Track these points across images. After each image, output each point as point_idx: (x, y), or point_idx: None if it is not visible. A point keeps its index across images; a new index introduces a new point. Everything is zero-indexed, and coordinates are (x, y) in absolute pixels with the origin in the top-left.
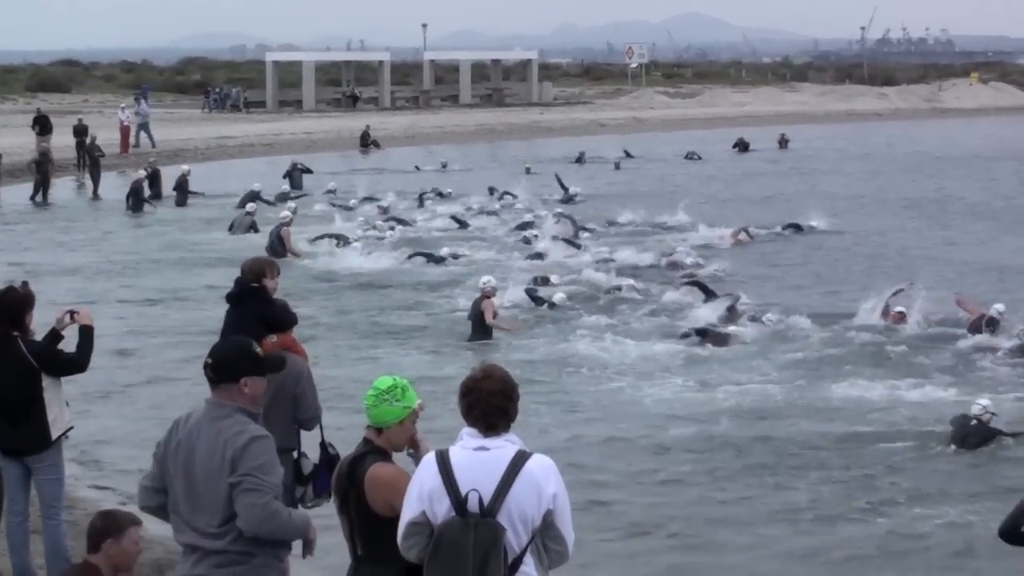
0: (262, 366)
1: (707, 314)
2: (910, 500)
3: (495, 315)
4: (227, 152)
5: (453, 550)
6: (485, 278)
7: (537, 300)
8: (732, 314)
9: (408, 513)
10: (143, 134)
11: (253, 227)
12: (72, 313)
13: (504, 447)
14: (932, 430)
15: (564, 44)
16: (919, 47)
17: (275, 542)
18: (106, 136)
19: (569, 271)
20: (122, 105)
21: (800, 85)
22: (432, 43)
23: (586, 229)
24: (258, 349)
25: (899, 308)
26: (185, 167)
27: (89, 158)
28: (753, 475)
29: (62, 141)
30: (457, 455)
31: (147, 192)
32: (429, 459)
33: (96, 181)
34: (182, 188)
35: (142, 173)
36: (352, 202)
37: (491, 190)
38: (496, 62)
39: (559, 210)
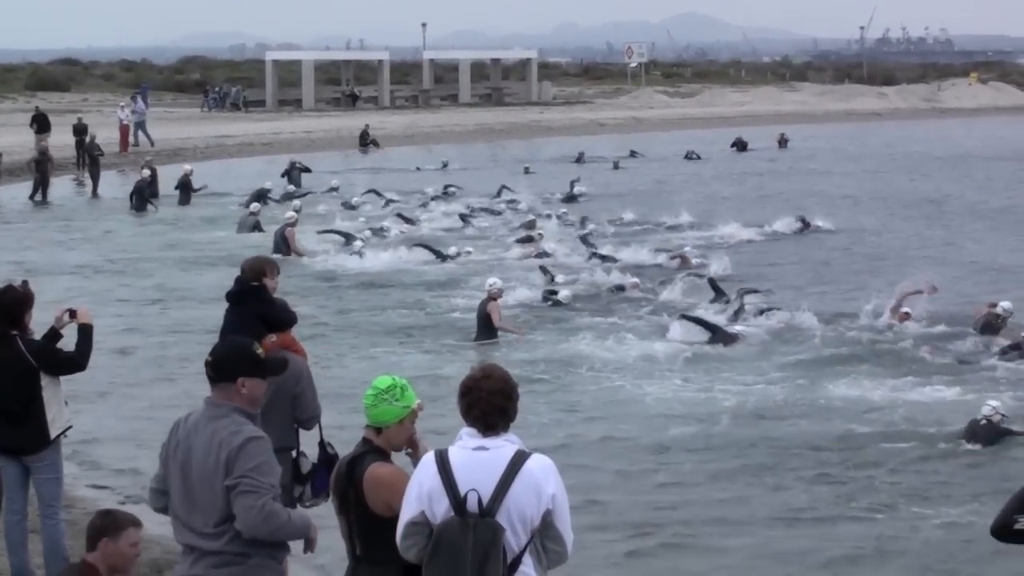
0: (262, 368)
1: (713, 313)
2: (911, 500)
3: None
4: (226, 151)
5: (452, 550)
6: (491, 280)
7: (550, 295)
8: (739, 313)
9: (407, 513)
10: (140, 133)
11: (257, 227)
12: (71, 312)
13: (503, 447)
14: (934, 430)
15: (564, 43)
16: (918, 47)
17: (272, 543)
18: (105, 135)
19: (572, 270)
20: (121, 104)
21: (799, 85)
22: (431, 42)
23: (586, 240)
24: (259, 350)
25: (906, 309)
26: (188, 167)
27: (88, 157)
28: (753, 475)
29: (61, 140)
30: (456, 455)
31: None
32: (428, 459)
33: (95, 180)
34: (185, 187)
35: (146, 173)
36: (354, 200)
37: (500, 191)
38: (495, 61)
39: (564, 210)
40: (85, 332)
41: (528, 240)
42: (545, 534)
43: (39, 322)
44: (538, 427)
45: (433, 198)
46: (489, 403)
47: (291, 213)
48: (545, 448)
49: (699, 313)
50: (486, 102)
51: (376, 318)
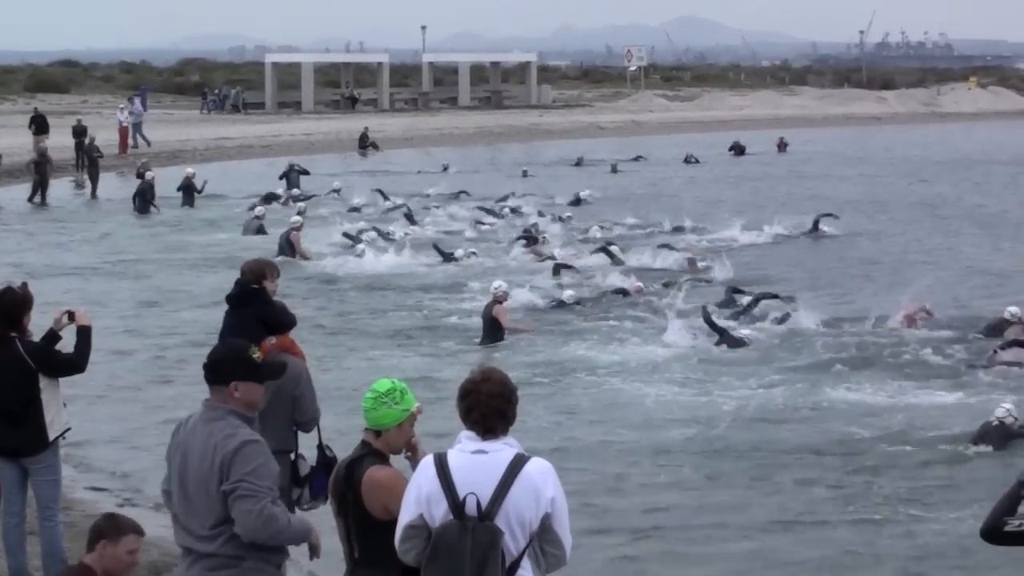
0: (256, 372)
1: (724, 317)
2: (912, 504)
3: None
4: (226, 153)
5: (451, 553)
6: (496, 283)
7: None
8: (748, 317)
9: (406, 516)
10: (137, 135)
11: (261, 230)
12: (70, 314)
13: (502, 450)
14: (936, 434)
15: (563, 46)
16: (918, 51)
17: (269, 547)
18: (105, 137)
19: (576, 273)
20: (121, 106)
21: (799, 89)
22: (431, 45)
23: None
24: (256, 354)
25: (906, 309)
26: (190, 169)
27: (88, 159)
28: (753, 479)
29: (61, 142)
30: (455, 458)
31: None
32: (427, 462)
33: (94, 182)
34: (188, 190)
35: (150, 175)
36: (355, 201)
37: (506, 198)
38: (495, 64)
39: (568, 213)
40: (84, 334)
41: (532, 241)
42: (544, 538)
43: (38, 324)
44: (537, 430)
45: (460, 192)
46: (488, 406)
47: (296, 217)
48: (544, 451)
49: (709, 315)
50: (485, 105)
51: (376, 321)
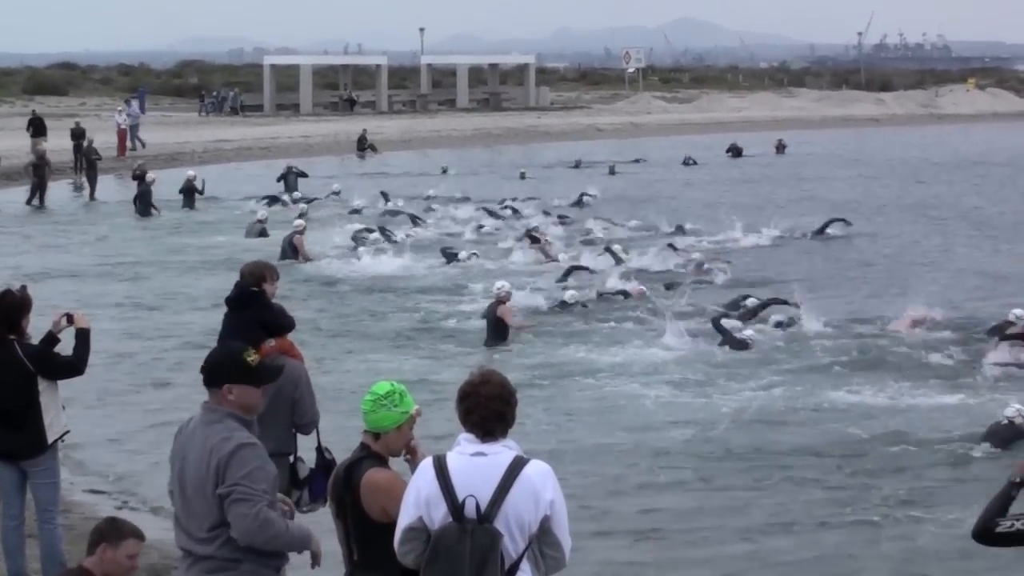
0: (250, 375)
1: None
2: (912, 506)
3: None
4: (224, 156)
5: (450, 556)
6: (499, 283)
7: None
8: (753, 319)
9: (405, 518)
10: (133, 137)
11: (263, 234)
12: (69, 316)
13: (501, 453)
14: (937, 436)
15: (561, 48)
16: (916, 53)
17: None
18: (103, 139)
19: (589, 275)
20: (119, 108)
21: (797, 90)
22: (429, 47)
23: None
24: (250, 357)
25: (912, 314)
26: (191, 172)
27: (86, 161)
28: (753, 481)
29: (59, 144)
30: (454, 460)
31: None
32: (426, 464)
33: (93, 184)
34: (189, 192)
35: (151, 177)
36: (356, 203)
37: (503, 202)
38: (493, 66)
39: (568, 215)
40: (83, 336)
41: (535, 241)
42: (543, 540)
43: (37, 327)
44: (536, 433)
45: (434, 208)
46: (487, 409)
47: (299, 221)
48: (543, 453)
49: (718, 320)
50: (484, 107)
51: (375, 323)
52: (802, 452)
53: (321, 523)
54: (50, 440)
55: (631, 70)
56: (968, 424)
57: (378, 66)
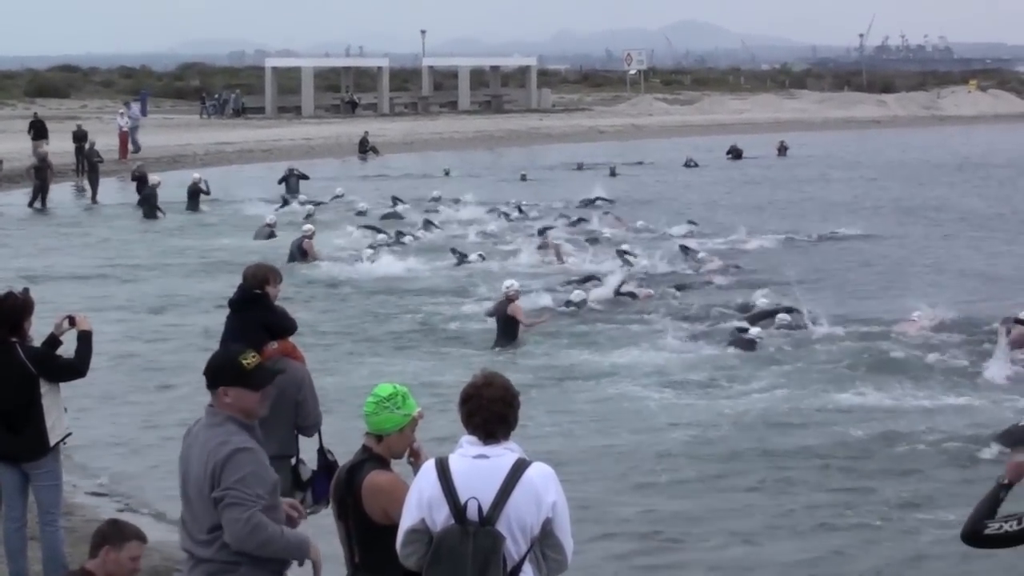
0: (245, 378)
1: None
2: (916, 509)
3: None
4: (226, 158)
5: (452, 558)
6: (508, 282)
7: (629, 294)
8: (760, 322)
9: (407, 521)
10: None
11: (272, 237)
12: (70, 319)
13: (504, 455)
14: (941, 436)
15: (563, 50)
16: (917, 54)
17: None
18: (105, 142)
19: (585, 275)
20: (120, 111)
21: (799, 92)
22: (431, 49)
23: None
24: (247, 360)
25: (915, 316)
26: (196, 174)
27: (88, 164)
28: (756, 484)
29: (61, 147)
30: (456, 463)
31: (139, 198)
32: (428, 466)
33: (94, 187)
34: (194, 194)
35: (156, 179)
36: (361, 205)
37: (519, 207)
38: (495, 68)
39: (577, 216)
40: (85, 339)
41: (542, 246)
42: (545, 542)
43: (38, 329)
44: (539, 435)
45: (437, 211)
46: (490, 411)
47: (308, 226)
48: (546, 456)
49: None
50: (485, 109)
51: (378, 325)
52: (805, 454)
53: (324, 525)
54: (52, 442)
55: (632, 72)
56: (973, 426)
57: (380, 68)
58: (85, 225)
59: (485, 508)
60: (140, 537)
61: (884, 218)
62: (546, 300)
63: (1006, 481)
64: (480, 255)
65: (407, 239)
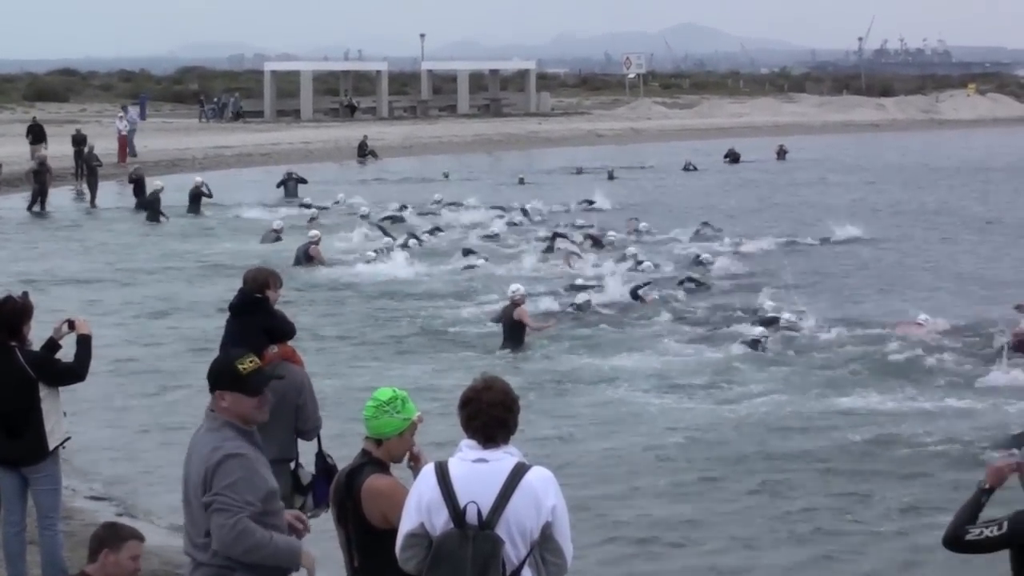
0: (240, 383)
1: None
2: (917, 512)
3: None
4: (225, 162)
5: (451, 562)
6: (514, 286)
7: (636, 296)
8: (764, 325)
9: (406, 524)
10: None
11: (278, 241)
12: (70, 323)
13: (503, 459)
14: (942, 438)
15: (562, 54)
16: (916, 58)
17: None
18: (104, 145)
19: (591, 278)
20: (120, 115)
21: (798, 96)
22: (430, 53)
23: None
24: (243, 365)
25: (921, 320)
26: (199, 178)
27: (87, 167)
28: (757, 488)
29: (60, 150)
30: (456, 467)
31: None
32: (428, 470)
33: (94, 190)
34: (196, 198)
35: (158, 184)
36: (364, 209)
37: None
38: (494, 72)
39: (580, 221)
40: (84, 343)
41: (549, 249)
42: (544, 546)
43: (38, 333)
44: (539, 439)
45: (437, 213)
46: (489, 415)
47: (315, 232)
48: (545, 460)
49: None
50: (484, 113)
51: (378, 329)
52: (806, 458)
53: (323, 529)
54: (51, 446)
55: (632, 76)
56: (974, 429)
57: (379, 72)
58: (84, 229)
59: (484, 512)
60: (137, 536)
61: (883, 222)
62: (551, 304)
63: (987, 486)
64: (483, 257)
65: (412, 243)
